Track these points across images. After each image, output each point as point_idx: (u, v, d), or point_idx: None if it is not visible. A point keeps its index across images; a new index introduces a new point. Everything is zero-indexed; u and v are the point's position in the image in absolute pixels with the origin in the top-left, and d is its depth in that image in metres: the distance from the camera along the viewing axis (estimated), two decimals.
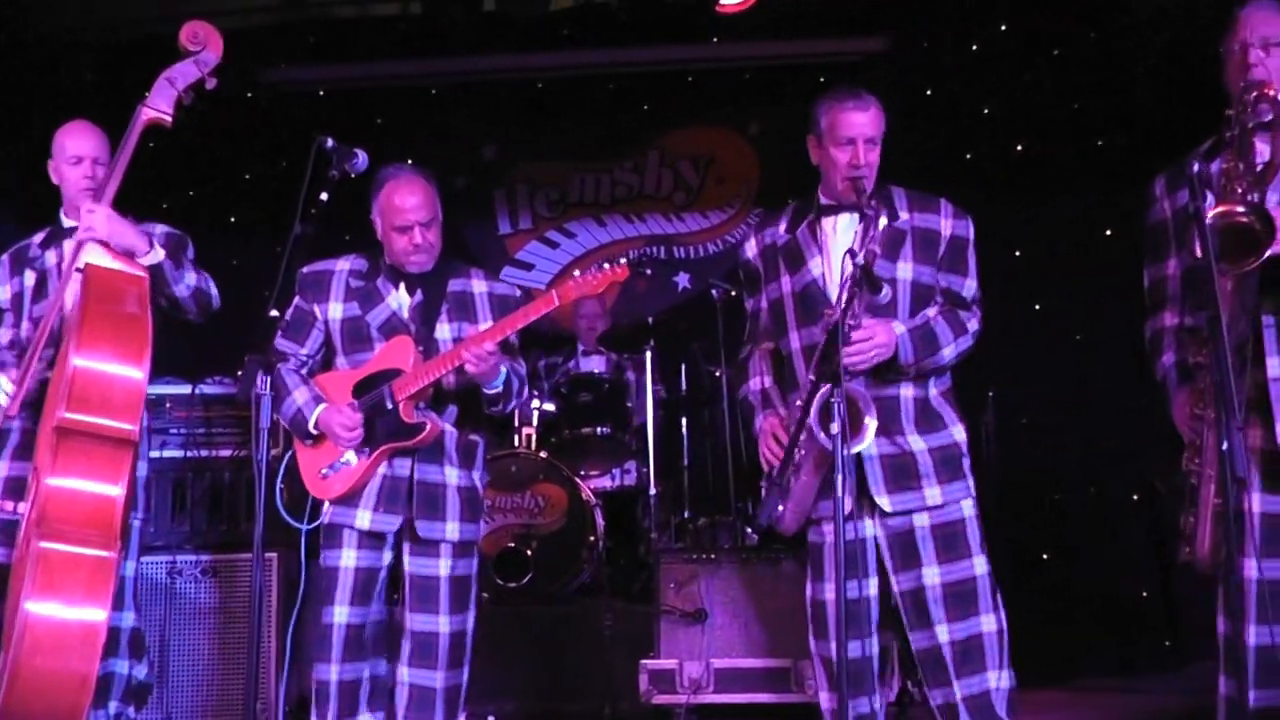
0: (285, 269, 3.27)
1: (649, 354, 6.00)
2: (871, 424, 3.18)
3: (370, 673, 3.74)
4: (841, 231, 3.41)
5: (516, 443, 5.88)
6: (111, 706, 3.87)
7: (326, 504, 3.71)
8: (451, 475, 3.71)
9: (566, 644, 4.97)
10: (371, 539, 3.68)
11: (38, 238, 4.02)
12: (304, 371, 3.79)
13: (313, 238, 3.26)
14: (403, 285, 3.77)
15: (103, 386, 3.46)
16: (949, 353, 3.36)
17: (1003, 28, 6.52)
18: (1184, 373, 3.28)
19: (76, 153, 3.89)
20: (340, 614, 3.65)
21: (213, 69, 3.86)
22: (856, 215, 3.29)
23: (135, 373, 3.50)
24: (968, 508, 3.39)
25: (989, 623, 3.35)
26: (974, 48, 6.63)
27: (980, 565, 3.37)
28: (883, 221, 3.20)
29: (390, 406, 3.61)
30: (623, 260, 3.62)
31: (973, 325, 3.42)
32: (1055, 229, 6.33)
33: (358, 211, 3.83)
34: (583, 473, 5.94)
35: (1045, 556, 6.13)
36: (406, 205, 3.68)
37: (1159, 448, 3.61)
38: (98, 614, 3.35)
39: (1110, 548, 5.97)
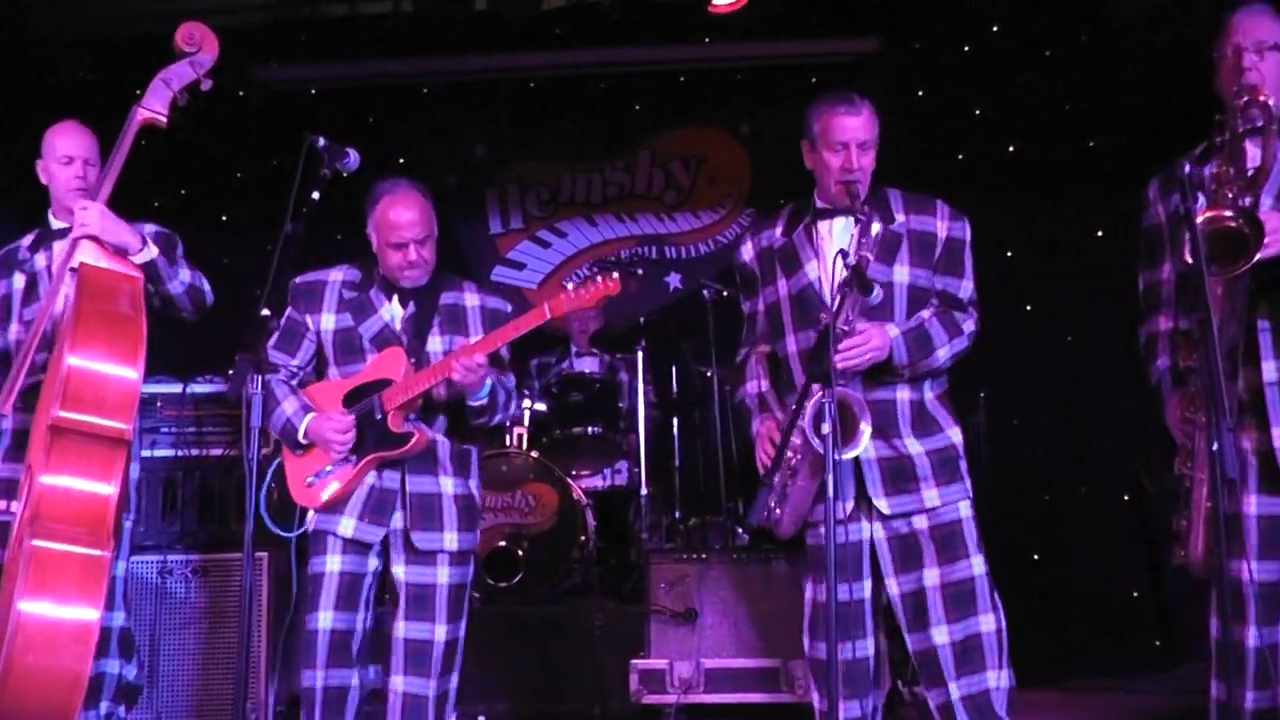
0: (276, 268, 3.25)
1: (640, 354, 6.00)
2: (866, 429, 3.19)
3: (359, 680, 3.70)
4: (837, 235, 3.41)
5: (508, 442, 5.88)
6: (103, 707, 3.87)
7: (311, 511, 3.70)
8: (447, 485, 3.70)
9: (557, 644, 4.97)
10: (356, 546, 3.66)
11: (26, 240, 4.00)
12: (295, 382, 3.78)
13: (304, 236, 3.25)
14: (395, 297, 3.76)
15: (97, 386, 3.45)
16: (944, 354, 3.37)
17: (995, 29, 6.51)
18: (1177, 377, 3.28)
19: (67, 153, 3.89)
20: (325, 619, 3.63)
21: (208, 70, 3.86)
22: (852, 219, 3.29)
23: (129, 372, 3.49)
24: (965, 509, 3.40)
25: (988, 622, 3.36)
26: (966, 49, 6.62)
27: (978, 565, 3.38)
28: (876, 227, 3.19)
29: (379, 416, 3.60)
30: (615, 275, 3.59)
31: (969, 327, 3.43)
32: (1047, 230, 6.32)
33: (349, 210, 3.81)
34: (574, 473, 5.95)
35: (1036, 557, 6.12)
36: (402, 221, 3.66)
37: (1150, 449, 3.61)
38: (90, 613, 3.34)
39: (1101, 549, 5.97)
